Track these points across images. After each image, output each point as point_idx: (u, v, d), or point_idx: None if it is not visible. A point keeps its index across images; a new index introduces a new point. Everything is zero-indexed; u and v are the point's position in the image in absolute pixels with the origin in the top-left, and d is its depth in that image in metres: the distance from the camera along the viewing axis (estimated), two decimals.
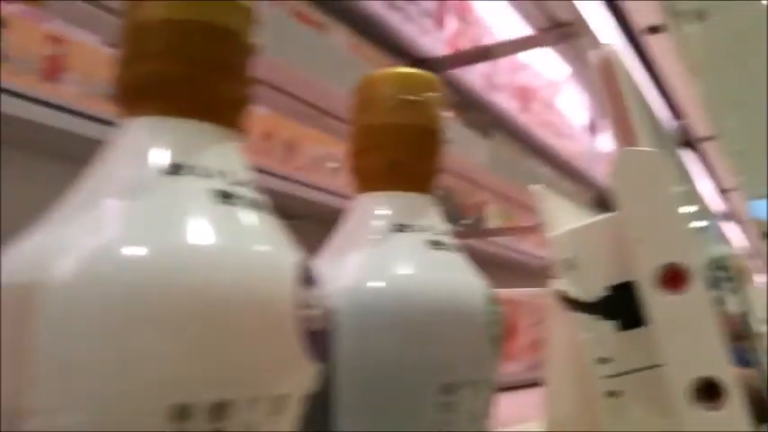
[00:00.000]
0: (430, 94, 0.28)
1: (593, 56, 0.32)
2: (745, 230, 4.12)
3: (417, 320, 0.24)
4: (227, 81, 0.20)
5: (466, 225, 1.39)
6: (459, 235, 0.27)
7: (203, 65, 0.20)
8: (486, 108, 1.42)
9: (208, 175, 0.19)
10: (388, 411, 0.24)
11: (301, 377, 0.19)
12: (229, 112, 0.21)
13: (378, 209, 0.27)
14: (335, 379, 0.24)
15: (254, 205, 0.20)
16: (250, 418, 0.17)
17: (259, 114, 0.79)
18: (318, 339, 0.20)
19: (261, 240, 0.19)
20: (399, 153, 0.28)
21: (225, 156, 0.20)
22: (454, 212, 1.35)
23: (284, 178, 0.82)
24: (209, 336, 0.16)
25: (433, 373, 0.25)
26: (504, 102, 1.50)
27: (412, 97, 0.27)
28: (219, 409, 0.17)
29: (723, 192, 3.55)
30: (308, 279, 0.20)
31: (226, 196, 0.19)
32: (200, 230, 0.18)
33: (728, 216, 3.78)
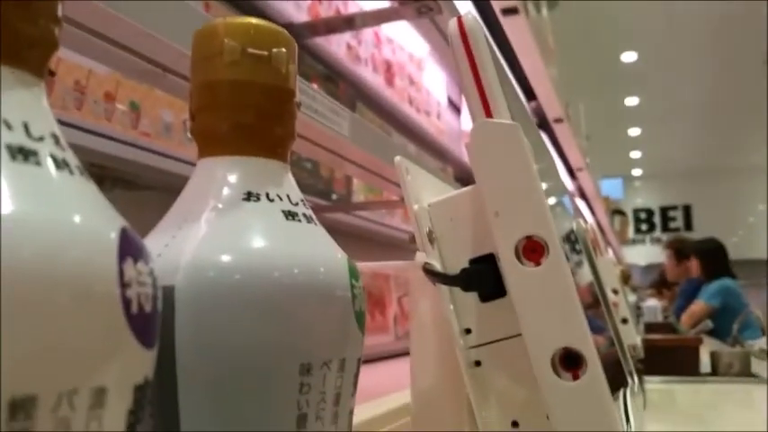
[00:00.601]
0: (279, 48, 0.25)
1: (451, 24, 0.31)
2: (592, 207, 4.48)
3: (271, 299, 0.22)
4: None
5: (336, 200, 1.38)
6: (327, 209, 0.25)
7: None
8: (350, 80, 1.41)
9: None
10: (239, 398, 0.22)
11: (129, 365, 0.17)
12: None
13: (223, 174, 0.25)
14: (176, 365, 0.22)
15: (68, 167, 0.17)
16: (64, 415, 0.14)
17: (101, 74, 0.73)
18: (149, 321, 0.17)
19: (72, 207, 0.16)
20: (245, 114, 0.25)
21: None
22: (323, 186, 1.34)
23: (129, 144, 0.76)
24: (8, 318, 0.14)
25: (291, 355, 0.22)
26: (368, 75, 1.49)
27: (258, 51, 0.24)
28: (21, 406, 0.14)
29: (572, 170, 3.82)
30: (135, 252, 0.17)
31: (25, 155, 0.16)
32: None
33: (578, 193, 4.08)
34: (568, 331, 0.27)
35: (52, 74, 0.62)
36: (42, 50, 0.18)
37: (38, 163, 0.16)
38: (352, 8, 1.38)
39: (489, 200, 0.30)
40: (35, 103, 0.17)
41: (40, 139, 0.16)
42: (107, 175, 0.74)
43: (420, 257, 0.33)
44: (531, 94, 2.51)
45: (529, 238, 0.29)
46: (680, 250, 3.61)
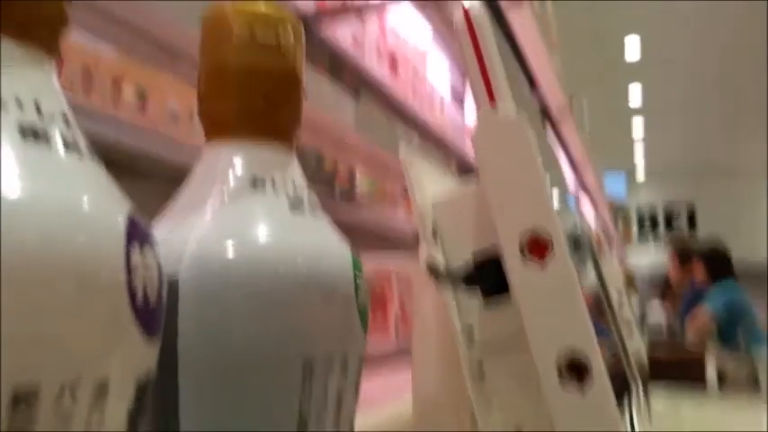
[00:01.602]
0: (287, 33, 0.25)
1: (457, 14, 0.31)
2: (594, 202, 4.46)
3: (275, 291, 0.22)
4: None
5: (340, 192, 1.38)
6: (331, 202, 0.25)
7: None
8: (356, 69, 1.40)
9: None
10: (243, 392, 0.22)
11: (133, 356, 0.16)
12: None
13: (229, 159, 0.24)
14: (178, 357, 0.21)
15: (77, 149, 0.16)
16: (66, 408, 0.14)
17: (109, 58, 0.72)
18: (153, 309, 0.17)
19: (80, 190, 0.16)
20: (253, 99, 0.25)
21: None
22: (327, 178, 1.33)
23: (137, 130, 0.75)
24: (10, 303, 0.13)
25: (295, 349, 0.22)
26: (374, 65, 1.49)
27: (267, 36, 0.24)
28: (23, 398, 0.13)
29: (574, 164, 3.80)
30: (142, 238, 0.17)
31: (35, 135, 0.15)
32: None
33: (580, 187, 4.06)
34: (573, 330, 0.27)
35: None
36: (53, 27, 0.17)
37: (47, 143, 0.16)
38: None
39: (493, 192, 0.29)
40: (46, 82, 0.17)
41: (51, 118, 0.16)
42: (112, 162, 0.74)
43: (423, 252, 0.33)
44: (533, 86, 2.50)
45: (533, 232, 0.28)
46: (683, 253, 3.58)
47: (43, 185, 0.15)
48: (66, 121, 0.17)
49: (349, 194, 1.41)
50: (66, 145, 0.16)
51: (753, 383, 1.43)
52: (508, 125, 0.30)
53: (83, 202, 0.15)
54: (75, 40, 0.65)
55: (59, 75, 0.18)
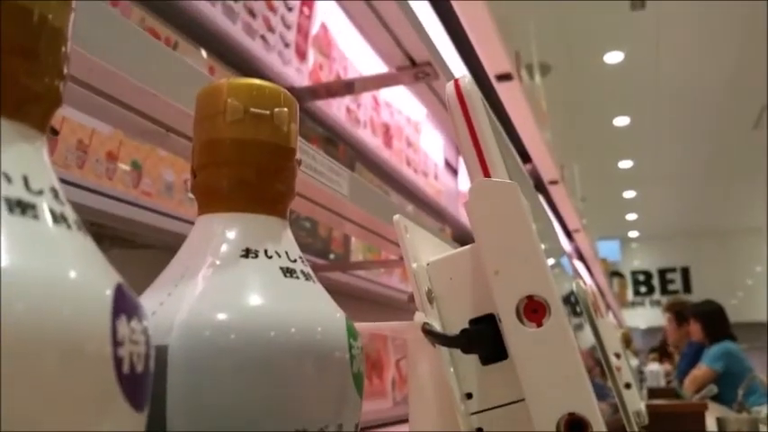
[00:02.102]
0: (281, 108, 0.25)
1: (449, 87, 0.32)
2: (590, 268, 4.46)
3: (268, 359, 0.21)
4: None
5: (334, 259, 1.38)
6: (325, 268, 0.25)
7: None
8: (350, 142, 1.42)
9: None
10: None
11: (119, 427, 0.16)
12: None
13: (222, 231, 0.24)
14: (166, 427, 0.21)
15: (65, 222, 0.16)
16: None
17: (103, 134, 0.73)
18: (141, 381, 0.17)
19: (68, 262, 0.16)
20: (246, 171, 0.25)
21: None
22: (321, 245, 1.33)
23: (130, 203, 0.76)
24: None
25: (288, 419, 0.22)
26: (368, 137, 1.51)
27: (261, 110, 0.25)
28: None
29: (568, 232, 3.82)
30: (129, 310, 0.17)
31: (22, 208, 0.15)
32: None
33: (575, 254, 4.08)
34: (573, 395, 0.26)
35: (55, 132, 0.62)
36: (46, 106, 0.18)
37: (35, 216, 0.16)
38: (352, 73, 1.41)
39: (489, 259, 0.29)
40: (36, 157, 0.17)
41: (39, 192, 0.16)
42: (106, 234, 0.74)
43: (419, 317, 0.33)
44: (526, 158, 2.55)
45: (530, 297, 0.28)
46: (680, 313, 3.58)
47: (29, 257, 0.15)
48: (56, 195, 0.17)
49: (344, 261, 1.41)
50: (55, 217, 0.16)
51: None
52: (501, 191, 0.30)
53: (70, 274, 0.15)
54: (70, 116, 0.67)
55: (52, 152, 0.18)
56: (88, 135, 0.71)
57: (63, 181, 0.18)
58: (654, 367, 3.75)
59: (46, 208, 0.16)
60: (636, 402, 0.75)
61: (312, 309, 0.24)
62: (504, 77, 1.87)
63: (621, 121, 6.56)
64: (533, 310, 0.28)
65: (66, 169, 0.67)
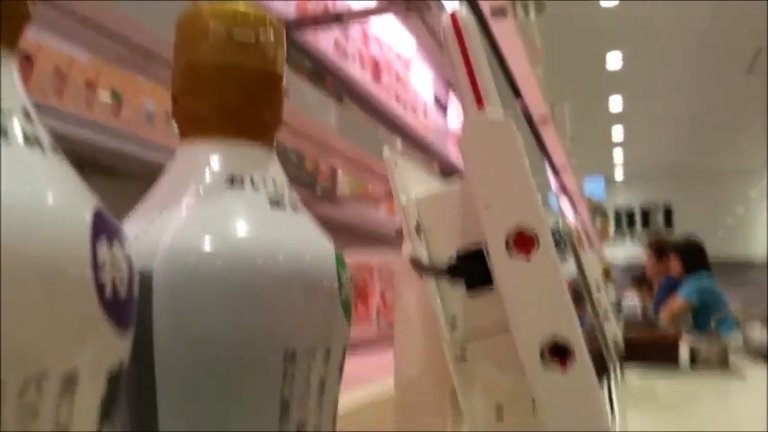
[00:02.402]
0: (266, 32, 0.24)
1: (444, 20, 0.31)
2: (575, 205, 4.51)
3: (254, 286, 0.21)
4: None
5: (321, 191, 1.38)
6: (312, 201, 0.24)
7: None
8: (338, 75, 1.40)
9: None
10: (220, 388, 0.21)
11: (102, 349, 0.16)
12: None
13: (206, 157, 0.24)
14: (154, 354, 0.21)
15: (39, 144, 0.16)
16: (30, 401, 0.14)
17: (82, 61, 0.71)
18: (123, 304, 0.17)
19: (43, 185, 0.15)
20: (230, 97, 0.24)
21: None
22: (308, 178, 1.33)
23: (111, 132, 0.75)
24: None
25: (274, 344, 0.22)
26: (356, 71, 1.49)
27: (244, 35, 0.24)
28: None
29: (556, 170, 3.84)
30: (109, 234, 0.16)
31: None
32: None
33: (561, 191, 4.11)
34: (557, 321, 0.27)
35: (29, 59, 0.60)
36: (15, 21, 0.17)
37: (6, 137, 0.15)
38: (341, 7, 1.38)
39: (479, 193, 0.29)
40: (5, 76, 0.16)
41: (9, 112, 0.16)
42: (85, 162, 0.73)
43: (407, 249, 0.33)
44: (517, 94, 2.52)
45: (519, 230, 0.28)
46: (660, 249, 3.65)
47: (2, 181, 0.14)
48: (27, 115, 0.16)
49: (331, 193, 1.41)
50: (27, 139, 0.16)
51: (723, 363, 1.46)
52: (496, 126, 0.30)
53: (45, 197, 0.15)
54: (47, 42, 0.65)
55: (29, 77, 0.17)
56: (66, 63, 0.69)
57: (40, 107, 0.18)
58: (632, 302, 3.84)
59: (18, 128, 0.15)
60: (614, 333, 0.77)
61: (299, 237, 0.24)
62: (498, 13, 1.83)
63: (614, 62, 6.50)
64: (523, 243, 0.28)
65: (44, 97, 0.66)
